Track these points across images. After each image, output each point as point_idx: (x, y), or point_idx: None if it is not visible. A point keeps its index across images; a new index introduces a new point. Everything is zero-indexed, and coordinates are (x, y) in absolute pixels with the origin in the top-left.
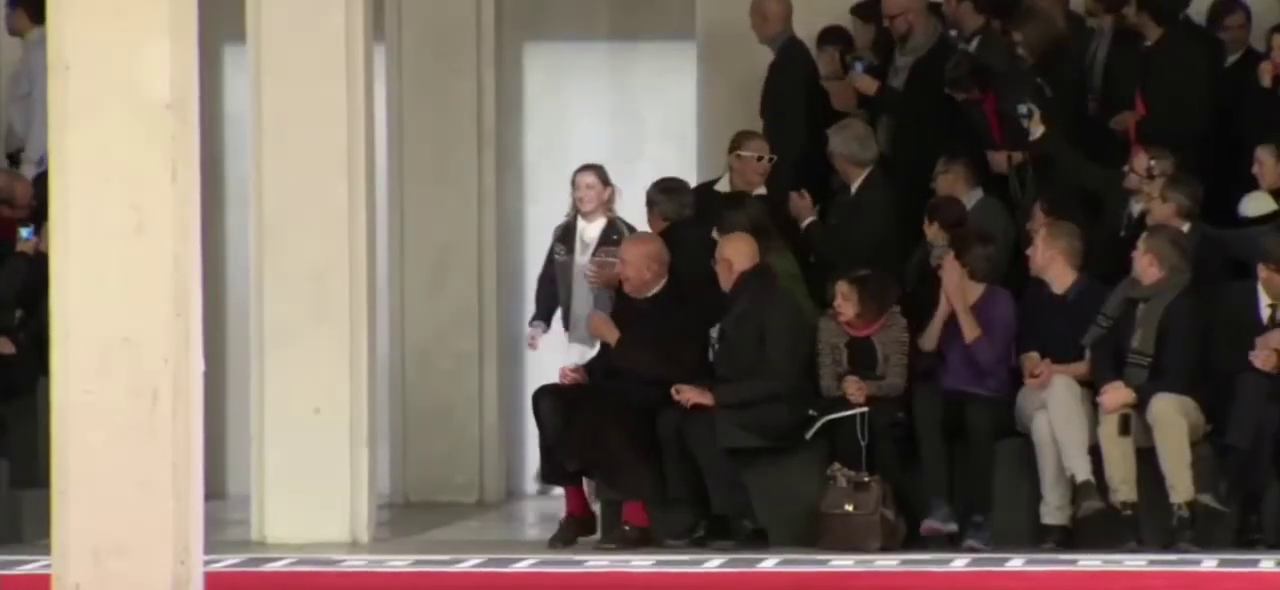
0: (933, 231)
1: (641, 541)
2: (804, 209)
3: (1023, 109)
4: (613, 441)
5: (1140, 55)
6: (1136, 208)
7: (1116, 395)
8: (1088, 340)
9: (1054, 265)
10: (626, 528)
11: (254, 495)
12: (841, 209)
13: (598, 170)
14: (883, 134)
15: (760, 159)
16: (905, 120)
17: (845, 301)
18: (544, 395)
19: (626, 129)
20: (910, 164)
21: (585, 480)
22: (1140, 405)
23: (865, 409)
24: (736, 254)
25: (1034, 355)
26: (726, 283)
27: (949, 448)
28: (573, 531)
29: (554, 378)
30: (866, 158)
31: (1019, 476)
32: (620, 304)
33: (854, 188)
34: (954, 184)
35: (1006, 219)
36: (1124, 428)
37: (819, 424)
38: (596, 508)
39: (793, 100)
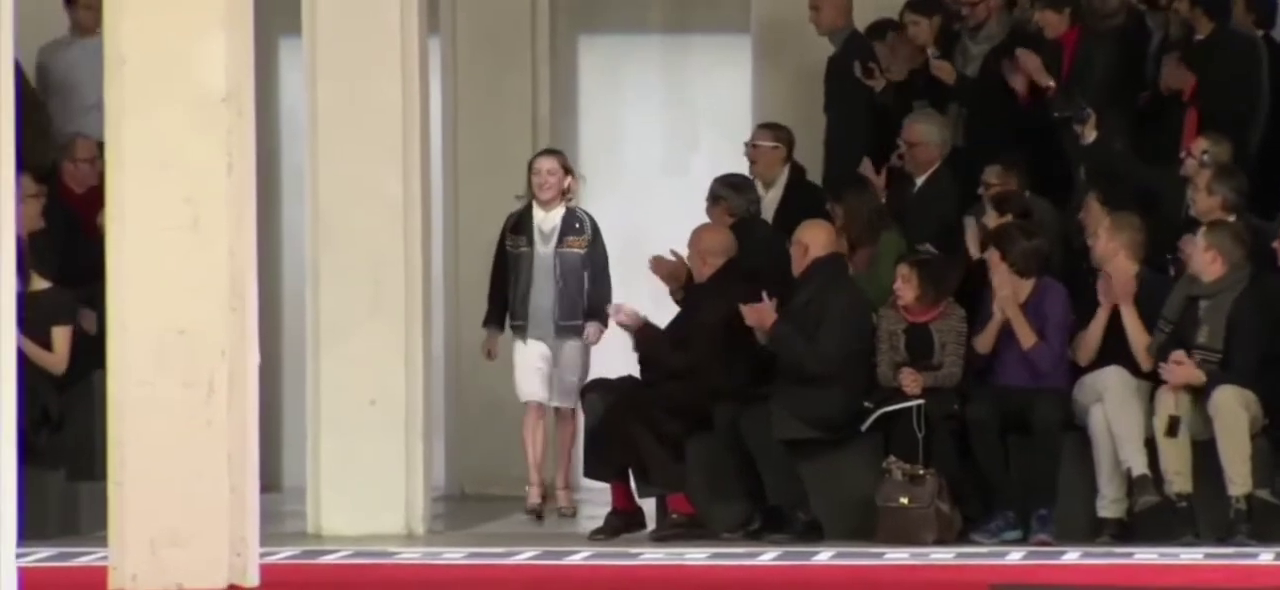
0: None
1: (692, 528)
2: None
3: (1084, 113)
4: (639, 440)
5: (1193, 49)
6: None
7: (1183, 370)
8: (1151, 348)
9: (1117, 257)
10: (674, 516)
11: (309, 487)
12: (908, 200)
13: (559, 156)
14: (954, 124)
15: (766, 147)
16: (978, 109)
17: (905, 284)
18: (593, 390)
19: (680, 122)
20: (981, 153)
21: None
22: (1202, 395)
23: (921, 401)
24: (813, 239)
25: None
26: (799, 267)
27: (1005, 443)
28: (617, 525)
29: (607, 372)
30: (946, 149)
31: (1075, 469)
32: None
33: (921, 180)
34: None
35: (1056, 218)
36: (1171, 429)
37: (874, 416)
38: (645, 503)
39: (856, 94)
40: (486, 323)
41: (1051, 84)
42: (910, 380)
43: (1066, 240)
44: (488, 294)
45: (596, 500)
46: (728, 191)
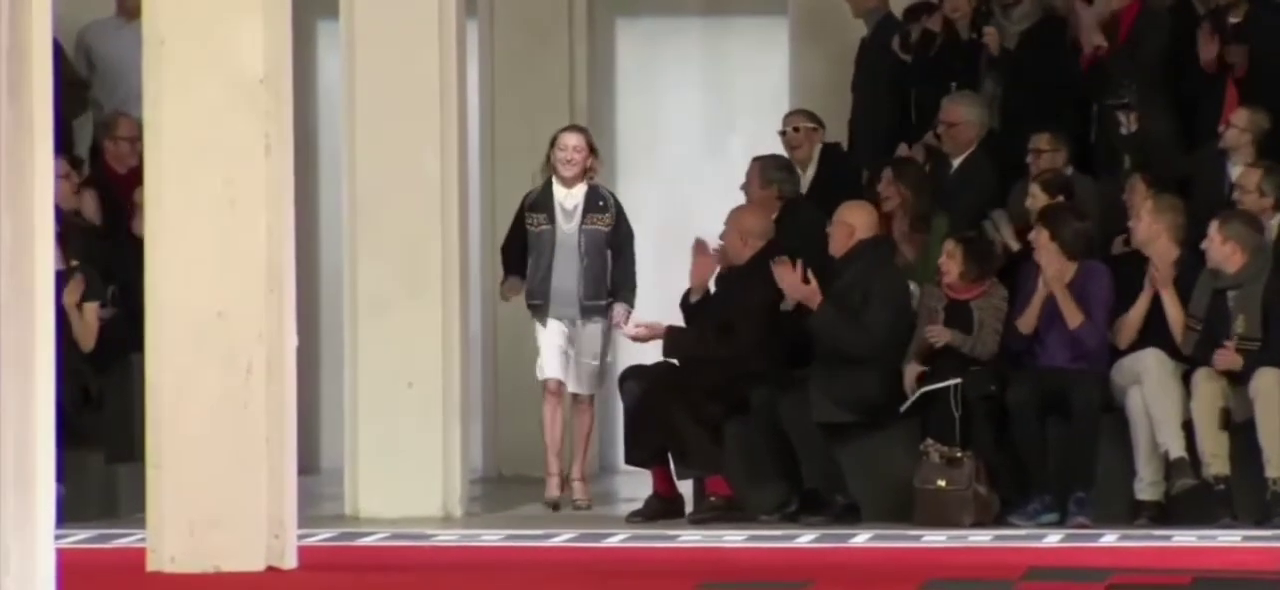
0: (1038, 202)
1: (730, 510)
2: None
3: (1129, 101)
4: (678, 422)
5: (1229, 32)
6: (1234, 171)
7: (1227, 356)
8: (1186, 351)
9: (1159, 240)
10: (712, 499)
11: (347, 469)
12: (945, 181)
13: (584, 133)
14: (990, 104)
15: (809, 128)
16: (1016, 86)
17: (950, 260)
18: (630, 376)
19: (718, 105)
20: (1018, 132)
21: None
22: (1242, 378)
23: (959, 381)
24: (858, 221)
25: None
26: (841, 247)
27: (1043, 426)
28: (655, 509)
29: (642, 358)
30: (984, 130)
31: (1113, 452)
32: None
33: (958, 160)
34: (1053, 161)
35: (1097, 199)
36: (1224, 422)
37: (915, 396)
38: (684, 488)
39: (885, 76)
40: (508, 278)
41: (1103, 43)
42: (938, 333)
43: (1103, 222)
44: (503, 262)
45: (629, 488)
46: (780, 174)
